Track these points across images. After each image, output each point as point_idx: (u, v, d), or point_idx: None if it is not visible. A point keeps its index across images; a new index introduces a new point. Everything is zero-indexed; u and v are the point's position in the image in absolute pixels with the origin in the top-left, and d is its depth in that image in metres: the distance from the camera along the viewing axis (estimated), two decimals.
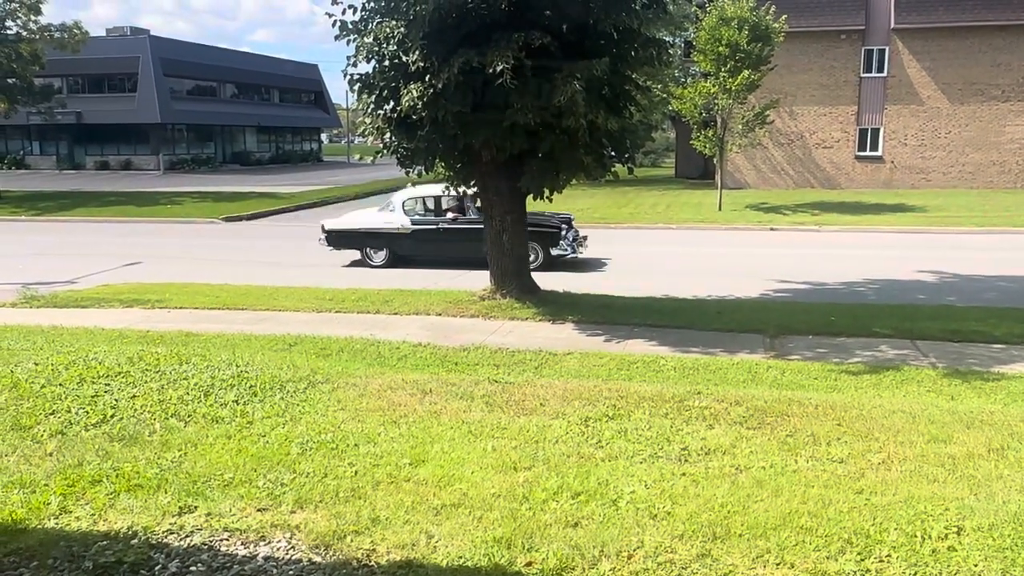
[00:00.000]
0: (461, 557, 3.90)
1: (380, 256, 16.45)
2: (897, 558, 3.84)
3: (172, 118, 51.67)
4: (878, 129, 32.70)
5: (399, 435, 5.57)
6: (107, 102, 50.68)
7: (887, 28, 31.62)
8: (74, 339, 9.12)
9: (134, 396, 6.38)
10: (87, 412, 5.99)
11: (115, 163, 52.52)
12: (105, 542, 4.07)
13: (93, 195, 33.65)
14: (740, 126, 25.36)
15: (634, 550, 3.93)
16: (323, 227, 16.81)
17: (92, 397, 6.33)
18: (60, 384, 6.65)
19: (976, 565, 3.78)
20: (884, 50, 31.99)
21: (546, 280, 12.58)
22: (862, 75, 32.36)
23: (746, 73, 23.44)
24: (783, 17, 24.98)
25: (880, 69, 32.19)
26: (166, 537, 4.14)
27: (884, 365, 8.54)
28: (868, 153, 32.96)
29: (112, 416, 5.93)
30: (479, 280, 12.96)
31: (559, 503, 4.44)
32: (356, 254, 16.63)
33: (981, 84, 31.29)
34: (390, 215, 16.37)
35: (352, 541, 4.06)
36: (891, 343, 9.55)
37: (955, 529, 4.10)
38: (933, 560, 3.83)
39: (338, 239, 16.64)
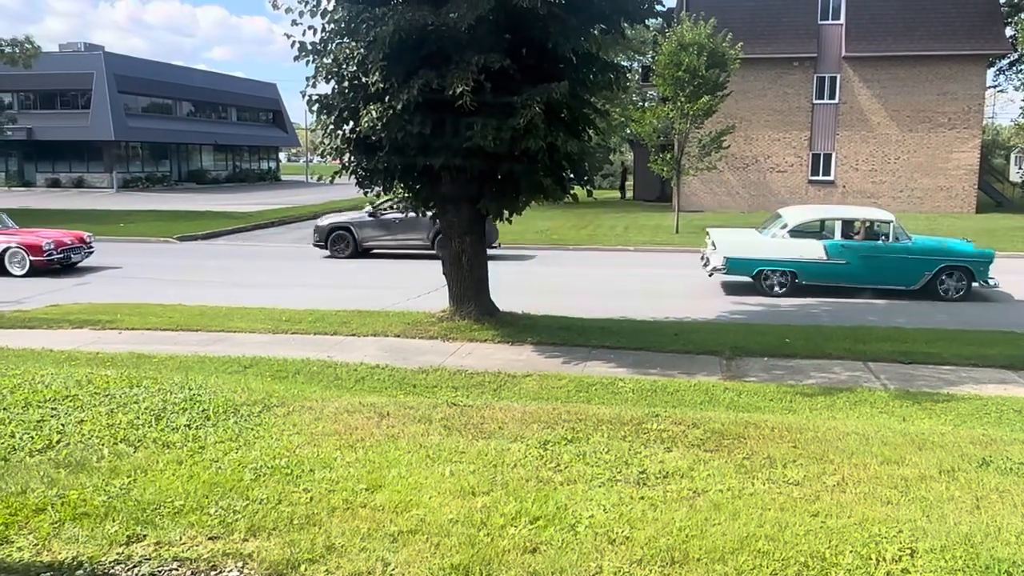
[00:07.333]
0: None
1: None
2: None
3: (126, 135, 50.95)
4: (830, 154, 33.45)
5: (355, 460, 5.48)
6: (59, 118, 49.83)
7: (838, 56, 32.45)
8: (20, 361, 8.86)
9: (82, 421, 6.20)
10: (32, 437, 5.80)
11: (67, 180, 51.56)
12: (49, 573, 3.94)
13: (43, 213, 32.85)
14: (697, 150, 25.73)
15: None
16: None
17: (37, 422, 6.15)
18: (4, 408, 6.44)
19: None
20: (836, 77, 32.83)
21: (500, 301, 12.56)
22: (815, 102, 33.13)
23: (705, 99, 23.80)
24: (739, 44, 25.46)
25: (832, 96, 33.00)
26: (113, 567, 4.01)
27: (838, 387, 8.67)
28: (821, 178, 33.68)
29: (58, 441, 5.75)
30: (438, 302, 12.91)
31: (517, 528, 4.40)
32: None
33: (929, 112, 32.22)
34: None
35: (306, 570, 3.98)
36: (844, 364, 9.71)
37: (908, 551, 4.15)
38: None
39: None
